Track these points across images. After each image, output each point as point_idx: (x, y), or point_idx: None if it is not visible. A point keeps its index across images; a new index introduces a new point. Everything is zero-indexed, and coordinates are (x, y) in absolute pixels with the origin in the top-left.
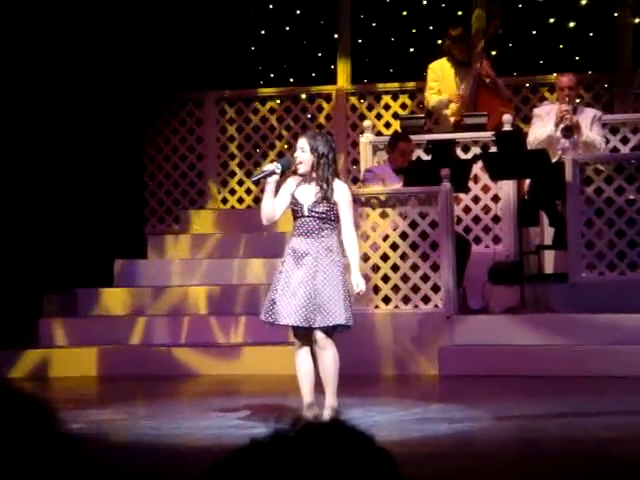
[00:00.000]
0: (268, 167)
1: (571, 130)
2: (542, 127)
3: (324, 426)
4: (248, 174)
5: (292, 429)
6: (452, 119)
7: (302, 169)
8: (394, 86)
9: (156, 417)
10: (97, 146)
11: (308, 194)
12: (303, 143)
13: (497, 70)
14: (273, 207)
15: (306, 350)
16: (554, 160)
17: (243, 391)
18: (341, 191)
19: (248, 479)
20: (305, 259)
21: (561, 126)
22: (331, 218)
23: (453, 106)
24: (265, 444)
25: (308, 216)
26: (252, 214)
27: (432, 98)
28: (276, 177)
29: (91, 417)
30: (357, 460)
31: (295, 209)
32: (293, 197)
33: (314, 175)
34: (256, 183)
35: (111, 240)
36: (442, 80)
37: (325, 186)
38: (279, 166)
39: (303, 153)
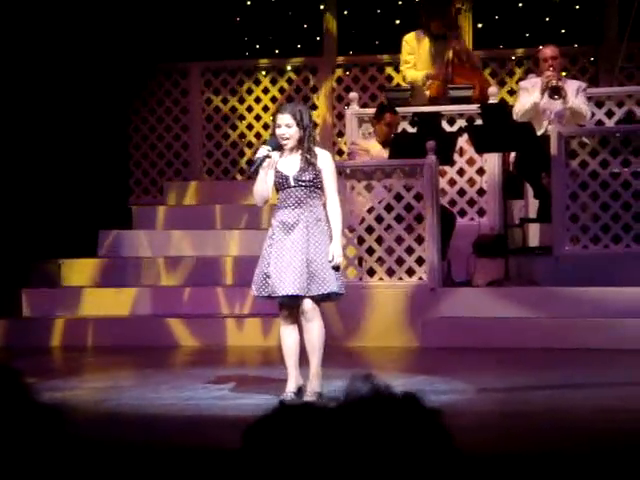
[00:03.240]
0: (260, 153)
1: (558, 91)
2: (528, 97)
3: (393, 396)
4: (233, 145)
5: (362, 395)
6: (428, 92)
7: (290, 144)
8: (380, 58)
9: (140, 387)
10: (82, 117)
11: (291, 165)
12: (287, 119)
13: (483, 43)
14: (267, 188)
15: (292, 323)
16: (540, 132)
17: (228, 362)
18: (324, 157)
19: (305, 442)
20: (296, 229)
21: (547, 92)
22: (317, 186)
23: (430, 82)
24: (341, 406)
25: (295, 186)
26: (236, 186)
27: (408, 73)
28: (270, 160)
29: (74, 387)
30: (421, 434)
31: (280, 181)
32: (277, 170)
33: (298, 147)
34: (256, 172)
35: (96, 211)
36: (417, 53)
37: (309, 155)
38: (270, 148)
39: (289, 129)
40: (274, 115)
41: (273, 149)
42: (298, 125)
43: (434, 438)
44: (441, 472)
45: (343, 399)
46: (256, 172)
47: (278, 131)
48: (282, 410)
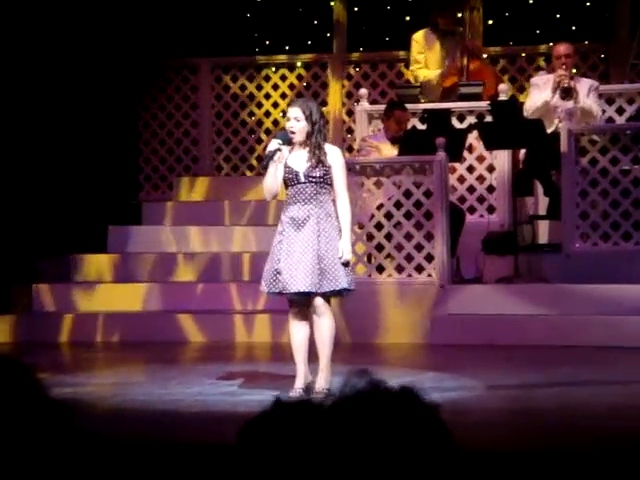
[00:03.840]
0: (271, 147)
1: (569, 92)
2: (539, 94)
3: (390, 391)
4: (243, 141)
5: (359, 391)
6: (440, 88)
7: (297, 138)
8: (390, 55)
9: (149, 383)
10: (92, 113)
11: (301, 161)
12: (297, 112)
13: (493, 39)
14: (277, 182)
15: (302, 319)
16: (551, 130)
17: (237, 358)
18: (334, 154)
19: (301, 435)
20: (306, 225)
21: (559, 90)
22: (327, 182)
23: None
24: (333, 404)
25: (305, 182)
26: (246, 182)
27: (421, 72)
28: (280, 154)
29: (83, 382)
30: (418, 429)
31: (289, 177)
32: (286, 166)
33: (307, 142)
34: (266, 166)
35: (105, 207)
36: (427, 51)
37: (318, 151)
38: (280, 142)
39: (298, 122)
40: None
41: (283, 143)
42: (307, 120)
43: (432, 433)
44: (439, 468)
45: (339, 395)
46: (266, 166)
47: (287, 124)
48: (277, 407)
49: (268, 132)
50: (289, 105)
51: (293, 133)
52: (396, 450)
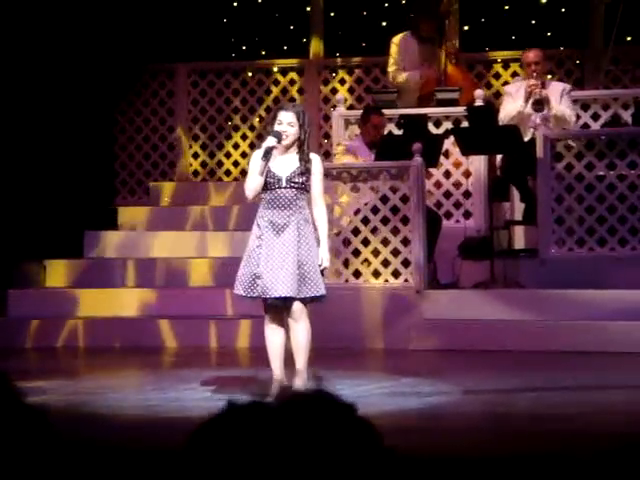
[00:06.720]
0: (269, 143)
1: (541, 103)
2: (512, 104)
3: (308, 395)
4: (219, 146)
5: (276, 397)
6: (417, 93)
7: (285, 142)
8: (366, 60)
9: (124, 389)
10: (68, 117)
11: (284, 166)
12: (292, 118)
13: (469, 45)
14: (261, 181)
15: (279, 324)
16: (526, 139)
17: (213, 363)
18: (316, 162)
19: (228, 444)
20: (287, 230)
21: (531, 100)
22: (307, 189)
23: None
24: (245, 409)
25: (286, 187)
26: (222, 187)
27: (398, 75)
28: (274, 152)
29: (58, 388)
30: (339, 429)
31: (271, 181)
32: (268, 170)
33: (293, 148)
34: (267, 160)
35: (81, 212)
36: (405, 55)
37: (307, 159)
38: (275, 140)
39: (291, 127)
40: (276, 112)
41: (278, 141)
42: (300, 127)
43: (352, 432)
44: (363, 467)
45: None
46: (267, 159)
47: (279, 127)
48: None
49: (245, 137)
50: (282, 109)
51: (286, 137)
52: (322, 451)
